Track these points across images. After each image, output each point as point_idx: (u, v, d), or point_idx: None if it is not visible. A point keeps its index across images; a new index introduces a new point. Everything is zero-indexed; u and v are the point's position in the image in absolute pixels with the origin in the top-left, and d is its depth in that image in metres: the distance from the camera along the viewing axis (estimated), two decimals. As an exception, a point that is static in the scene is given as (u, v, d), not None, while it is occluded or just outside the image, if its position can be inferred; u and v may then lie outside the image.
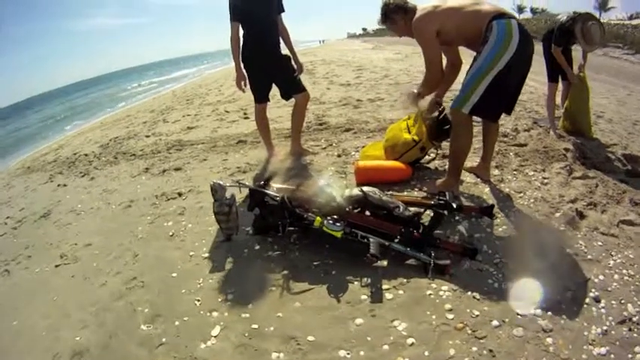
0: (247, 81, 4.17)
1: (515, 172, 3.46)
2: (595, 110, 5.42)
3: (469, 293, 2.16)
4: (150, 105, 12.87)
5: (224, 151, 5.20)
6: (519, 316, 1.99)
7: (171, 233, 3.28)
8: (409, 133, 3.62)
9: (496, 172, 3.45)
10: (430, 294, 2.19)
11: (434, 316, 2.04)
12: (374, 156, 3.82)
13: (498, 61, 2.69)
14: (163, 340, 2.18)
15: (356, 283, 2.35)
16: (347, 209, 2.66)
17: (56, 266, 3.23)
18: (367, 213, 2.71)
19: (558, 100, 5.32)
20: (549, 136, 4.36)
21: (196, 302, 2.41)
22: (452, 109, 2.94)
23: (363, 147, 4.29)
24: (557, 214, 2.83)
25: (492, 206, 2.79)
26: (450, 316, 2.03)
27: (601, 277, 2.28)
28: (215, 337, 2.14)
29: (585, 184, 3.26)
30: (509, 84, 2.84)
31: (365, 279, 2.35)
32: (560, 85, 5.20)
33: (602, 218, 2.85)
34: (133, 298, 2.57)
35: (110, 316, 2.47)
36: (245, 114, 7.26)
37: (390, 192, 2.91)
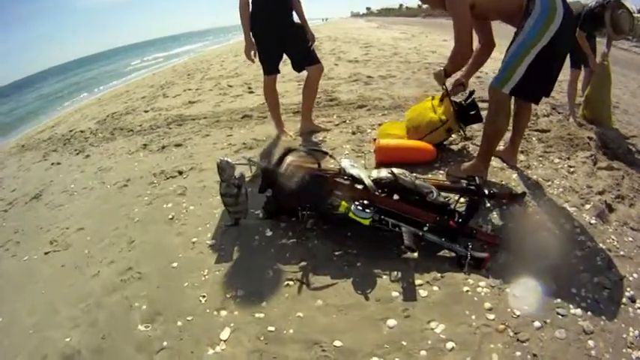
0: (256, 50, 3.84)
1: (540, 159, 3.28)
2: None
3: (508, 290, 1.97)
4: (149, 80, 12.53)
5: (228, 126, 4.91)
6: (560, 316, 1.83)
7: (170, 216, 2.98)
8: (434, 113, 3.38)
9: (522, 157, 3.28)
10: (467, 290, 1.97)
11: (473, 317, 1.84)
12: (395, 135, 3.58)
13: (542, 36, 2.48)
14: (164, 343, 1.89)
15: (385, 277, 2.10)
16: (376, 193, 2.35)
17: (45, 253, 2.95)
18: (395, 197, 2.42)
19: (579, 87, 5.14)
20: (570, 124, 4.23)
21: (201, 298, 2.11)
22: (492, 88, 2.74)
23: (380, 125, 4.10)
24: (588, 206, 2.63)
25: (524, 194, 2.63)
26: (491, 316, 1.84)
27: (635, 275, 2.10)
28: (225, 341, 1.85)
29: (612, 176, 3.08)
30: (552, 62, 2.65)
31: (395, 273, 2.11)
32: (582, 73, 5.00)
33: (630, 212, 2.68)
34: (129, 292, 2.27)
35: (103, 313, 2.17)
36: (249, 88, 7.01)
37: (414, 175, 2.62)
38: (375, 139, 3.63)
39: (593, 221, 2.48)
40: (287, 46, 3.89)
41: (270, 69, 3.97)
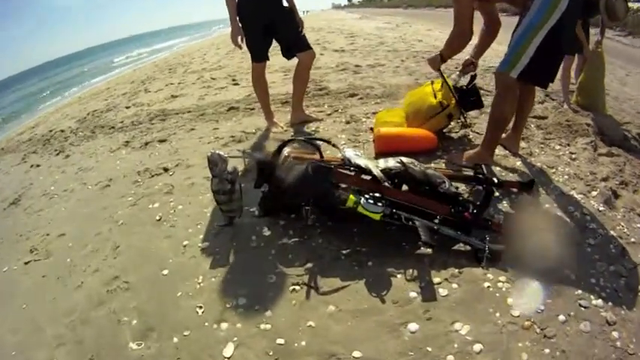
0: (243, 36, 3.61)
1: (542, 146, 3.21)
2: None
3: (529, 284, 1.86)
4: (130, 77, 12.17)
5: (214, 119, 4.68)
6: (583, 308, 1.77)
7: (158, 217, 2.75)
8: (435, 97, 3.25)
9: (523, 144, 3.17)
10: (488, 287, 1.86)
11: (497, 314, 1.73)
12: (393, 123, 3.40)
13: (550, 16, 2.40)
14: (160, 364, 1.67)
15: (399, 276, 1.95)
16: (386, 184, 2.17)
17: (26, 263, 2.71)
18: (404, 188, 2.26)
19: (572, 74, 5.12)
20: (566, 110, 4.18)
21: (198, 310, 1.90)
22: (498, 73, 2.67)
23: (374, 113, 3.95)
24: (594, 193, 2.59)
25: (533, 182, 2.52)
26: (515, 312, 1.73)
27: (648, 261, 2.04)
28: (229, 358, 1.66)
29: (613, 162, 3.07)
30: (560, 45, 2.55)
31: (410, 271, 1.96)
32: (575, 60, 5.00)
33: (635, 198, 2.69)
34: (117, 305, 2.05)
35: (90, 330, 1.96)
36: (234, 80, 6.76)
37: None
38: (372, 128, 3.52)
39: (601, 208, 2.43)
40: (276, 31, 3.67)
41: (259, 56, 3.74)
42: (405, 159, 2.27)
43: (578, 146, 3.21)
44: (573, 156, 3.05)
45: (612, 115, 4.36)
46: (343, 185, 2.20)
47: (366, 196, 2.00)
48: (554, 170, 2.81)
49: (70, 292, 2.28)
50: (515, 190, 2.54)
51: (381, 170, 2.20)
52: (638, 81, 6.84)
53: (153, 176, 3.42)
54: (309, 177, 2.14)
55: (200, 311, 1.89)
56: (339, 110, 4.34)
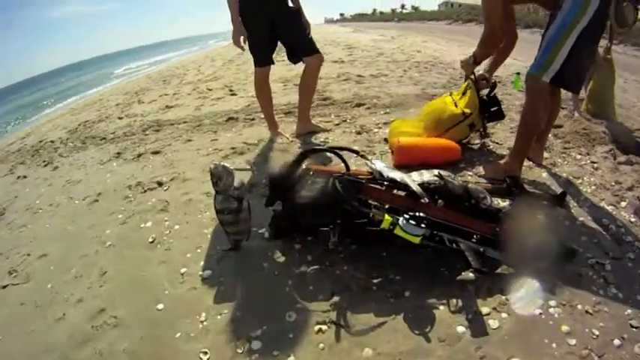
0: (246, 37, 3.33)
1: (563, 155, 3.08)
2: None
3: (579, 307, 1.68)
4: (123, 88, 11.92)
5: (212, 130, 4.40)
6: (634, 329, 1.60)
7: (151, 239, 2.43)
8: (455, 106, 3.11)
9: (545, 154, 3.03)
10: (540, 313, 1.65)
11: (554, 345, 1.53)
12: (409, 133, 3.18)
13: (582, 16, 2.29)
14: None
15: (442, 308, 1.69)
16: (424, 201, 1.88)
17: (3, 287, 2.38)
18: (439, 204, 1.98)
19: None
20: (580, 118, 4.03)
21: (202, 356, 1.56)
22: (530, 76, 2.50)
23: (386, 123, 3.80)
24: (623, 204, 2.44)
25: (564, 194, 2.35)
26: (572, 341, 1.54)
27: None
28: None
29: (635, 170, 2.90)
30: (591, 47, 2.47)
31: (454, 301, 1.71)
32: None
33: None
34: (103, 346, 1.71)
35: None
36: (231, 90, 6.54)
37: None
38: (386, 139, 3.33)
39: (632, 219, 2.28)
40: (282, 33, 3.40)
41: (263, 60, 3.46)
42: (442, 172, 2.00)
43: (599, 155, 3.07)
44: (595, 165, 2.91)
45: (622, 122, 4.22)
46: (373, 203, 1.90)
47: (406, 215, 1.71)
48: (580, 181, 2.67)
49: (51, 325, 1.94)
50: (546, 203, 2.35)
51: (419, 185, 1.92)
52: (636, 88, 6.72)
53: (145, 191, 3.12)
54: (334, 193, 1.83)
55: (205, 358, 1.57)
56: (348, 120, 4.11)
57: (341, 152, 2.11)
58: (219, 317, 1.74)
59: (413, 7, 63.52)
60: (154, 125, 5.13)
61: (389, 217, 1.69)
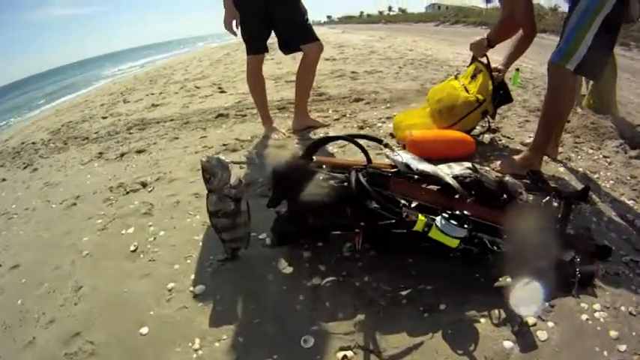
0: (238, 21, 3.06)
1: (576, 150, 3.02)
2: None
3: (623, 309, 1.57)
4: (109, 89, 11.52)
5: (200, 127, 4.14)
6: None
7: (132, 247, 2.15)
8: (467, 92, 2.92)
9: (559, 149, 2.95)
10: (587, 319, 1.53)
11: (605, 353, 1.41)
12: (418, 125, 2.98)
13: (607, 1, 2.18)
14: None
15: (484, 320, 1.50)
16: (465, 198, 1.65)
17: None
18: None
19: None
20: (586, 113, 3.99)
21: (195, 395, 1.28)
22: (553, 65, 2.36)
23: (389, 118, 3.62)
24: None
25: (587, 189, 2.16)
26: (622, 347, 1.43)
27: None
28: None
29: None
30: (614, 34, 2.33)
31: (495, 312, 1.52)
32: None
33: None
34: (77, 379, 1.42)
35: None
36: (220, 88, 6.24)
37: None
38: (391, 134, 3.15)
39: None
40: (277, 17, 3.12)
41: (256, 47, 3.20)
42: (474, 165, 1.75)
43: (610, 149, 3.05)
44: (608, 160, 2.87)
45: (624, 117, 4.16)
46: (401, 200, 1.63)
47: (445, 215, 1.44)
48: (597, 176, 2.62)
49: (19, 350, 1.66)
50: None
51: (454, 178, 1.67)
52: (629, 86, 6.69)
53: (128, 193, 2.85)
54: (359, 189, 1.56)
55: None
56: (347, 115, 3.88)
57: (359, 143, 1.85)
58: (217, 344, 1.46)
59: (400, 9, 63.89)
60: (138, 124, 4.84)
61: (423, 217, 1.43)
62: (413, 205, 1.59)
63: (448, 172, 1.69)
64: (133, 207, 2.60)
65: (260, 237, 1.98)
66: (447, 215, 1.43)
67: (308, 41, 3.18)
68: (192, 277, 1.84)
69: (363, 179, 1.54)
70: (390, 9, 70.01)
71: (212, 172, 1.59)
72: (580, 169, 2.67)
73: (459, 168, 1.70)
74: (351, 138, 1.83)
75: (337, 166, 1.77)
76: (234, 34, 3.10)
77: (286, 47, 3.29)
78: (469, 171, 1.68)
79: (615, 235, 1.99)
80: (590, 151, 3.00)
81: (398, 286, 1.63)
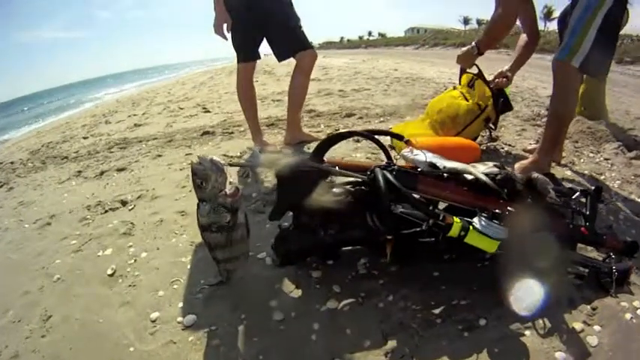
0: (230, 25, 2.93)
1: (577, 154, 3.04)
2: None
3: None
4: (92, 111, 11.47)
5: (185, 145, 3.95)
6: None
7: (110, 271, 1.90)
8: (467, 100, 2.93)
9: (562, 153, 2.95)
10: (631, 317, 1.44)
11: None
12: (419, 135, 2.87)
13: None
14: None
15: (528, 333, 1.35)
16: (500, 196, 1.49)
17: None
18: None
19: None
20: (580, 118, 3.94)
21: None
22: (558, 62, 2.36)
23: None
24: None
25: (601, 189, 2.05)
26: None
27: None
28: None
29: None
30: (616, 30, 2.36)
31: (540, 322, 1.39)
32: None
33: None
34: None
35: None
36: (204, 108, 6.10)
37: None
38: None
39: None
40: (269, 27, 2.98)
41: (247, 54, 3.06)
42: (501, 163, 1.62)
43: (609, 152, 3.08)
44: (610, 161, 2.90)
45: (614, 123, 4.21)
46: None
47: (484, 215, 1.26)
48: (603, 177, 2.64)
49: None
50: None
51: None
52: (611, 95, 6.39)
53: (106, 211, 2.62)
54: (387, 189, 1.33)
55: None
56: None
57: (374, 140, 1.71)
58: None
59: (380, 33, 65.03)
60: (120, 143, 4.63)
61: (458, 220, 1.25)
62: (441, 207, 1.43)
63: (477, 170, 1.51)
64: (112, 226, 2.38)
65: (259, 256, 1.76)
66: (485, 215, 1.25)
67: (301, 49, 3.05)
68: (181, 305, 1.60)
69: (391, 177, 1.34)
70: (369, 34, 71.24)
71: (204, 175, 1.34)
72: (586, 172, 2.67)
73: (484, 167, 1.54)
74: (368, 134, 1.66)
75: (351, 167, 1.54)
76: (225, 38, 2.96)
77: (279, 55, 3.15)
78: (497, 169, 1.52)
79: (635, 231, 1.99)
80: (591, 154, 3.02)
81: (428, 303, 1.45)
